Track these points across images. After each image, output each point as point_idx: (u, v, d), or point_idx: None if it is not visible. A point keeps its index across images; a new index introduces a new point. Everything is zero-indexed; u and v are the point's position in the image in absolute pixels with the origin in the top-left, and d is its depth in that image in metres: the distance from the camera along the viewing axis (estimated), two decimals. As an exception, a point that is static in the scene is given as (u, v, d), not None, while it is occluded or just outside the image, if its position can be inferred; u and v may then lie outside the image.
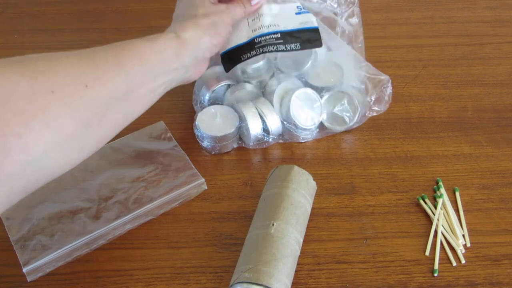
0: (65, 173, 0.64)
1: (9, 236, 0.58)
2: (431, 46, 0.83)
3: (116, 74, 0.50)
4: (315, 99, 0.68)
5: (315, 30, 0.67)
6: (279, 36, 0.67)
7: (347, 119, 0.69)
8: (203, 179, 0.63)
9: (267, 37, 0.67)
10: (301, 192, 0.57)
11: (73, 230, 0.59)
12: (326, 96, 0.69)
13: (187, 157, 0.66)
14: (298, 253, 0.54)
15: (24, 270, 0.55)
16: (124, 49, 0.53)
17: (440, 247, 0.58)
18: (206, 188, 0.64)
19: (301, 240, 0.55)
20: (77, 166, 0.64)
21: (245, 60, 0.68)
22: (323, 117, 0.69)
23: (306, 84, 0.70)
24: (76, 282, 0.56)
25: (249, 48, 0.67)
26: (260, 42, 0.67)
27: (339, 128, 0.69)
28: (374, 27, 0.83)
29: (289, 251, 0.52)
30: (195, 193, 0.63)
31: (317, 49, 0.72)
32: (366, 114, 0.69)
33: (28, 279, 0.55)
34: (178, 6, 0.64)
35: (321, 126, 0.70)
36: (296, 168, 0.58)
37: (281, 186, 0.57)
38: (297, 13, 0.69)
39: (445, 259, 0.57)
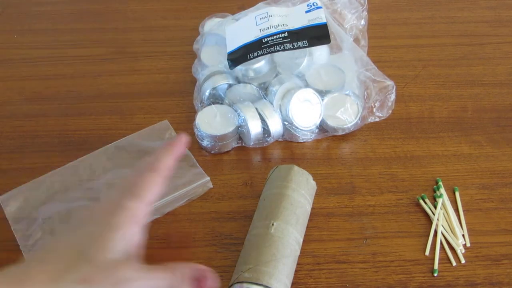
0: (70, 173, 0.64)
1: (15, 235, 0.58)
2: (431, 46, 0.83)
3: None
4: (316, 99, 0.68)
5: (323, 26, 0.67)
6: (287, 35, 0.67)
7: (347, 123, 0.69)
8: (208, 178, 0.64)
9: (275, 36, 0.68)
10: (301, 192, 0.57)
11: None
12: (327, 99, 0.69)
13: (192, 156, 0.66)
14: (298, 253, 0.54)
15: None
16: None
17: (440, 247, 0.58)
18: (212, 186, 0.64)
19: (301, 240, 0.55)
20: (82, 165, 0.65)
21: (251, 59, 0.68)
22: (323, 119, 0.69)
23: (308, 87, 0.70)
24: (76, 282, 0.56)
25: (256, 48, 0.68)
26: (267, 42, 0.67)
27: (339, 131, 0.69)
28: (374, 27, 0.83)
29: (289, 251, 0.52)
30: (200, 191, 0.63)
31: (318, 52, 0.72)
32: (369, 119, 0.69)
33: None
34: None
35: (321, 128, 0.70)
36: (296, 168, 0.58)
37: (281, 186, 0.57)
38: (307, 11, 0.69)
39: (445, 259, 0.57)
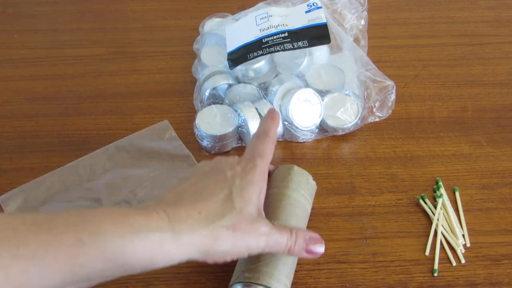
0: (70, 173, 0.64)
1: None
2: (431, 46, 0.83)
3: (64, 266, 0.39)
4: (316, 99, 0.68)
5: (323, 26, 0.67)
6: (287, 35, 0.67)
7: (347, 123, 0.69)
8: (208, 178, 0.63)
9: (275, 36, 0.68)
10: (301, 192, 0.57)
11: None
12: (327, 99, 0.69)
13: (192, 156, 0.66)
14: None
15: None
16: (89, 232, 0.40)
17: (440, 247, 0.58)
18: None
19: None
20: (82, 165, 0.65)
21: (251, 59, 0.68)
22: (323, 119, 0.69)
23: (308, 86, 0.70)
24: (76, 282, 0.56)
25: (256, 48, 0.68)
26: (267, 42, 0.67)
27: (339, 131, 0.69)
28: (374, 27, 0.83)
29: None
30: None
31: (318, 52, 0.72)
32: (369, 119, 0.69)
33: None
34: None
35: (321, 128, 0.70)
36: (296, 168, 0.58)
37: (281, 186, 0.57)
38: (307, 11, 0.69)
39: (445, 259, 0.57)
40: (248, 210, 0.46)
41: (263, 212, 0.48)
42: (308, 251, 0.49)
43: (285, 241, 0.48)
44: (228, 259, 0.45)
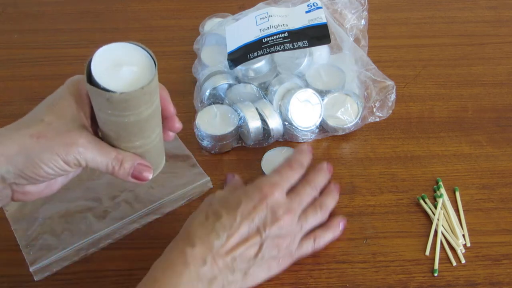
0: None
1: (15, 235, 0.58)
2: (431, 46, 0.83)
3: None
4: (316, 100, 0.68)
5: (323, 26, 0.68)
6: (287, 35, 0.68)
7: (348, 123, 0.69)
8: (208, 178, 0.64)
9: (275, 36, 0.68)
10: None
11: (79, 229, 0.59)
12: (327, 99, 0.69)
13: (192, 156, 0.66)
14: None
15: (31, 269, 0.55)
16: None
17: (440, 247, 0.58)
18: (212, 187, 0.64)
19: None
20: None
21: (251, 59, 0.68)
22: (323, 119, 0.69)
23: (308, 86, 0.70)
24: (76, 282, 0.56)
25: (256, 48, 0.68)
26: (267, 42, 0.68)
27: (340, 131, 0.69)
28: (374, 27, 0.83)
29: None
30: (200, 192, 0.63)
31: (318, 52, 0.72)
32: (369, 119, 0.69)
33: (35, 278, 0.56)
34: None
35: (322, 128, 0.70)
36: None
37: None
38: (307, 11, 0.69)
39: (445, 259, 0.57)
40: (61, 122, 0.45)
41: (89, 128, 0.47)
42: (135, 176, 0.48)
43: (105, 160, 0.46)
44: (48, 170, 0.44)
